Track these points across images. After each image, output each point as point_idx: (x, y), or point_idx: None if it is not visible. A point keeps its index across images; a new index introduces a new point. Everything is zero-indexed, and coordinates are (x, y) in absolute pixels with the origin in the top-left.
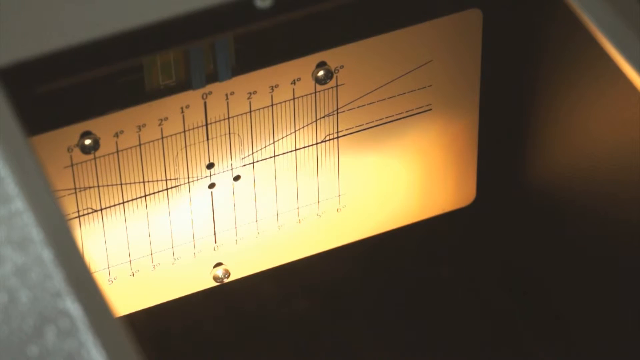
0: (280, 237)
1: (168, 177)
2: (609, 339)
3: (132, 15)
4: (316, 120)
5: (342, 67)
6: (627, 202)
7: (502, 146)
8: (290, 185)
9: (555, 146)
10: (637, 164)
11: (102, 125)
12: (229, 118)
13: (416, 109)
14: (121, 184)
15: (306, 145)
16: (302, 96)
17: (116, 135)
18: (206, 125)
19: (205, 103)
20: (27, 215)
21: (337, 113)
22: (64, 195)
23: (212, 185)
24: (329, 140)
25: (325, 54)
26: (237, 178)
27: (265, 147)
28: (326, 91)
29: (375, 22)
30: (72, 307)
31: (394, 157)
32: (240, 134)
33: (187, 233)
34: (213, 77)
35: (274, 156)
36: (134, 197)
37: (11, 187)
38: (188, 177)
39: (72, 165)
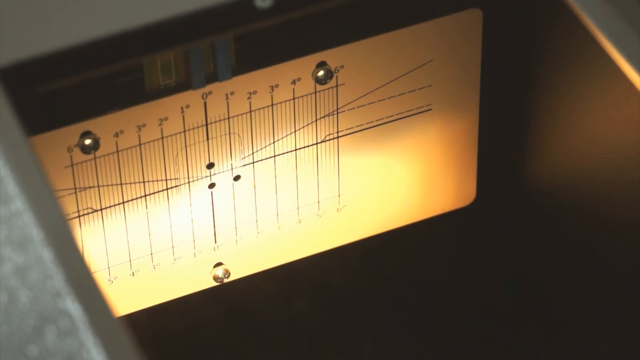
0: (280, 237)
1: (168, 177)
2: (609, 339)
3: (132, 15)
4: (316, 120)
5: (342, 67)
6: (627, 202)
7: (502, 146)
8: (290, 185)
9: (555, 146)
10: (637, 164)
11: (102, 125)
12: (229, 118)
13: (416, 109)
14: (121, 184)
15: (306, 145)
16: (302, 96)
17: (116, 135)
18: (206, 125)
19: (205, 103)
20: (27, 215)
21: (337, 113)
22: (64, 195)
23: (212, 185)
24: (329, 140)
25: (325, 54)
26: (237, 178)
27: (265, 147)
28: (326, 91)
29: (375, 22)
30: (72, 307)
31: (394, 157)
32: (240, 134)
33: (187, 233)
34: (213, 77)
35: (274, 156)
36: (134, 197)
37: (11, 187)
38: (188, 177)
39: (72, 165)
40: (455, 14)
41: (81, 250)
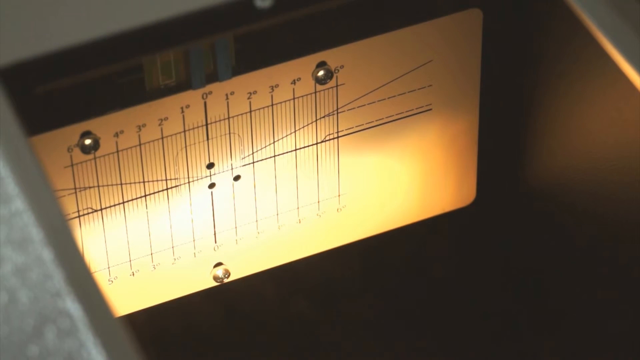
0: (280, 237)
1: (168, 177)
2: (609, 339)
3: (132, 15)
4: (316, 120)
5: (342, 67)
6: (627, 202)
7: (502, 146)
8: (290, 185)
9: (555, 146)
10: (637, 164)
11: (102, 125)
12: (229, 118)
13: (416, 109)
14: (121, 184)
15: (306, 145)
16: (302, 96)
17: (116, 135)
18: (206, 125)
19: (205, 103)
20: (27, 215)
21: (337, 113)
22: (64, 195)
23: (212, 185)
24: (329, 140)
25: (325, 54)
26: (237, 178)
27: (265, 147)
28: (326, 91)
29: (375, 22)
30: (72, 307)
31: (394, 157)
32: (240, 134)
33: (187, 233)
34: (213, 77)
35: (274, 156)
36: (134, 197)
37: (11, 187)
38: (188, 177)
39: (72, 165)
40: (455, 14)
41: (81, 250)
